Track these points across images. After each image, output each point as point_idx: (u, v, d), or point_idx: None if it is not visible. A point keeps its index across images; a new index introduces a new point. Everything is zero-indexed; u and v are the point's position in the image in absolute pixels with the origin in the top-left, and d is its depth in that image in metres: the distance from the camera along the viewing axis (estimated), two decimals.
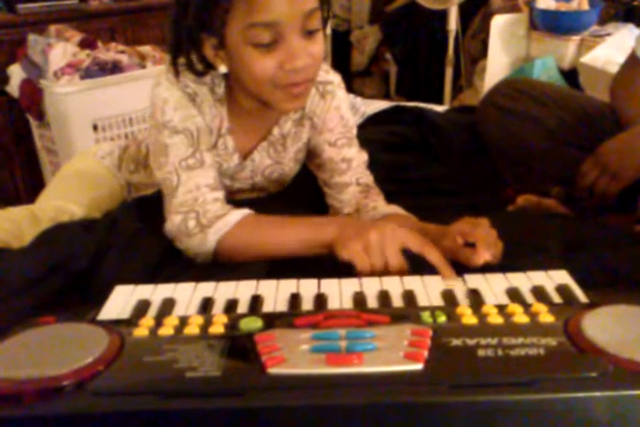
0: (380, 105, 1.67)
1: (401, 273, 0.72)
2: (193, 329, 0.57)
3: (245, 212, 0.85)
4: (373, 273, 0.72)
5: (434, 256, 0.72)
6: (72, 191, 1.12)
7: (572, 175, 1.14)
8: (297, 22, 0.77)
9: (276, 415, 0.47)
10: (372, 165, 1.04)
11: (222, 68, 0.85)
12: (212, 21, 0.78)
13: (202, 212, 0.83)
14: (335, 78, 1.00)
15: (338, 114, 0.99)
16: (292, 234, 0.81)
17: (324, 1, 0.82)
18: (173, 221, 0.85)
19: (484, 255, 0.71)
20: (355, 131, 1.03)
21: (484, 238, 0.73)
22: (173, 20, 0.81)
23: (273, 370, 0.49)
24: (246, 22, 0.76)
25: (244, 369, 0.50)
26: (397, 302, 0.65)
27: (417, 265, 0.74)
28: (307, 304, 0.65)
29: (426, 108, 1.53)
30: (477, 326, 0.56)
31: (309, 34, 0.79)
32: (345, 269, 0.73)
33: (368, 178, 1.01)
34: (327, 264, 0.77)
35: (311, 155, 1.05)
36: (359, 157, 1.01)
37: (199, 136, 0.87)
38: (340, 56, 3.17)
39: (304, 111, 0.98)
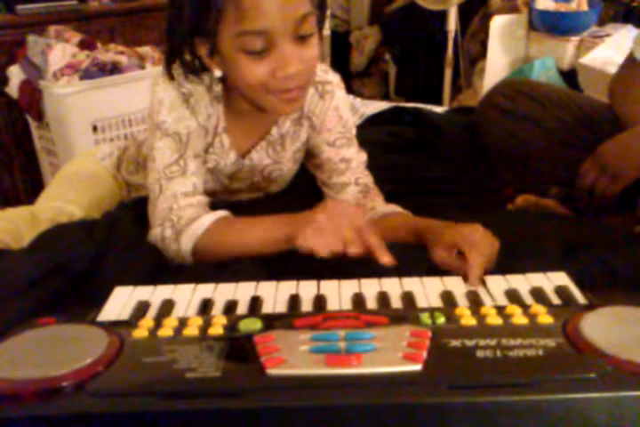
0: (379, 106, 1.67)
1: (365, 249, 0.71)
2: (192, 330, 0.57)
3: (218, 214, 0.85)
4: (336, 254, 0.71)
5: (374, 240, 0.71)
6: (71, 192, 1.12)
7: (572, 176, 1.14)
8: (288, 29, 0.77)
9: (275, 416, 0.47)
10: (372, 166, 1.04)
11: (217, 72, 0.85)
12: (205, 28, 0.78)
13: (176, 219, 0.84)
14: (334, 78, 1.00)
15: (337, 114, 0.99)
16: (255, 233, 0.81)
17: (318, 5, 0.81)
18: (155, 233, 0.86)
19: (474, 283, 0.70)
20: (354, 131, 1.03)
21: (477, 261, 0.71)
22: (168, 25, 0.82)
23: (272, 371, 0.49)
24: (237, 30, 0.76)
25: (243, 370, 0.51)
26: (396, 303, 0.65)
27: (414, 266, 0.74)
28: (306, 305, 0.65)
29: (425, 109, 1.53)
30: (476, 327, 0.56)
31: (302, 39, 0.79)
32: (311, 261, 0.72)
33: (367, 178, 1.01)
34: (328, 265, 0.77)
35: (310, 155, 1.05)
36: (358, 157, 1.01)
37: (188, 140, 0.88)
38: (340, 57, 3.17)
39: (303, 111, 0.98)
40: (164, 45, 0.85)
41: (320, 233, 0.72)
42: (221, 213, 0.86)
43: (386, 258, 0.70)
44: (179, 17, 0.79)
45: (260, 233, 0.81)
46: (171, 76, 0.87)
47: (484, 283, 0.69)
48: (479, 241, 0.74)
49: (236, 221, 0.85)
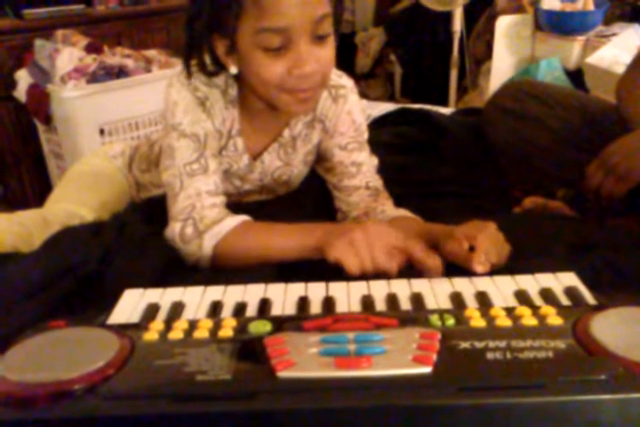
0: (385, 107, 1.67)
1: (392, 271, 0.73)
2: (202, 333, 0.57)
3: (241, 218, 0.85)
4: (363, 272, 0.72)
5: (418, 249, 0.73)
6: (81, 193, 1.12)
7: (578, 177, 1.13)
8: (307, 28, 0.77)
9: (285, 419, 0.47)
10: (378, 167, 1.04)
11: (233, 69, 0.85)
12: (224, 25, 0.79)
13: (199, 218, 0.84)
14: (348, 83, 1.00)
15: (349, 118, 1.00)
16: (282, 240, 0.81)
17: (336, 6, 0.82)
18: (173, 229, 0.86)
19: (478, 267, 0.72)
20: (366, 135, 1.03)
21: (485, 247, 0.73)
22: (187, 21, 0.82)
23: (282, 373, 0.49)
24: (257, 27, 0.77)
25: (253, 372, 0.51)
26: (405, 305, 0.65)
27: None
28: (315, 308, 0.65)
29: (431, 110, 1.53)
30: (486, 328, 0.56)
31: (319, 39, 0.80)
32: (336, 272, 0.73)
33: (378, 182, 1.01)
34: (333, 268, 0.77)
35: (321, 158, 1.05)
36: (369, 161, 1.01)
37: (206, 141, 0.88)
38: (345, 58, 3.17)
39: (315, 114, 0.99)
40: (182, 43, 0.85)
41: (352, 249, 0.72)
42: (244, 217, 0.86)
43: (435, 268, 0.71)
44: (198, 12, 0.80)
45: (285, 240, 0.81)
46: (189, 73, 0.87)
47: (490, 274, 0.70)
48: (491, 232, 0.76)
49: (258, 226, 0.85)
